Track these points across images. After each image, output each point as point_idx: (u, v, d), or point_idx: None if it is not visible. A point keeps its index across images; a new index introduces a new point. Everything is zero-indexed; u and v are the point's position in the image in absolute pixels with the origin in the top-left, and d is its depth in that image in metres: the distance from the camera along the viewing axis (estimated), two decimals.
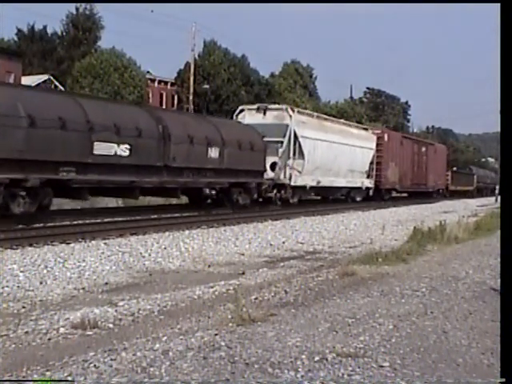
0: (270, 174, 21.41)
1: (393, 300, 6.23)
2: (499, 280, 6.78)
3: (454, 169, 54.20)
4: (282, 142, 22.16)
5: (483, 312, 5.77)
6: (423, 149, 38.80)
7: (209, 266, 9.86)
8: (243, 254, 11.34)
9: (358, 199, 29.32)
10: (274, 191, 21.84)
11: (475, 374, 3.99)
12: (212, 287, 7.62)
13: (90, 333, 5.35)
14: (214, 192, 18.53)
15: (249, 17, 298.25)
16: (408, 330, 5.01)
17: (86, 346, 4.79)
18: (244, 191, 19.52)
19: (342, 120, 32.32)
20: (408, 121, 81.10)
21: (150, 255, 10.32)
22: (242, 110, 23.98)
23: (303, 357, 4.15)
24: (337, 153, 25.87)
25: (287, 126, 22.30)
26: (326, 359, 4.11)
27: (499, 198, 36.93)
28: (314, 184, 24.16)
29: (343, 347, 4.39)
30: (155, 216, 16.08)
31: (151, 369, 3.90)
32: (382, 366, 4.02)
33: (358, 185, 28.91)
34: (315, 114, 27.30)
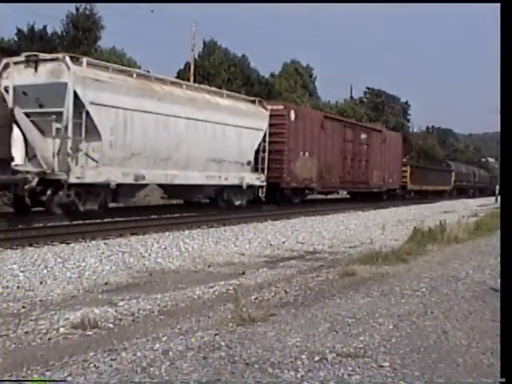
0: (56, 167, 13.76)
1: (393, 300, 6.23)
2: (499, 280, 6.79)
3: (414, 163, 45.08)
4: (61, 114, 13.75)
5: (483, 312, 5.77)
6: (362, 135, 28.93)
7: (209, 266, 9.86)
8: (243, 254, 11.34)
9: (238, 203, 19.89)
10: (48, 192, 13.70)
11: (475, 374, 3.99)
12: (212, 287, 7.62)
13: (90, 333, 5.35)
14: None
15: (249, 17, 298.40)
16: (408, 329, 5.01)
17: (86, 346, 4.79)
18: None
19: (202, 86, 21.26)
20: (408, 121, 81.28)
21: (150, 255, 10.32)
22: (6, 65, 14.31)
23: (303, 357, 4.15)
24: (182, 133, 16.91)
25: (66, 85, 13.61)
26: (326, 359, 4.11)
27: (499, 197, 36.93)
28: (128, 181, 15.27)
29: (343, 347, 4.39)
30: (155, 216, 16.07)
31: (151, 369, 3.90)
32: (382, 366, 4.02)
33: (233, 182, 19.28)
34: (136, 70, 17.80)
